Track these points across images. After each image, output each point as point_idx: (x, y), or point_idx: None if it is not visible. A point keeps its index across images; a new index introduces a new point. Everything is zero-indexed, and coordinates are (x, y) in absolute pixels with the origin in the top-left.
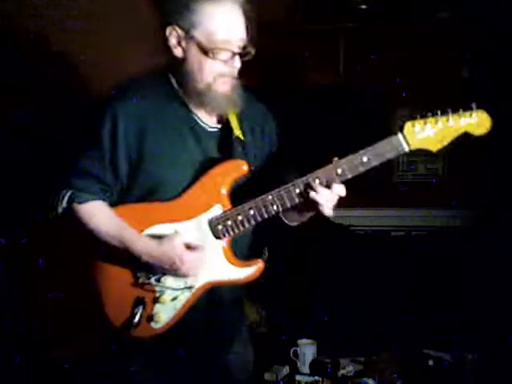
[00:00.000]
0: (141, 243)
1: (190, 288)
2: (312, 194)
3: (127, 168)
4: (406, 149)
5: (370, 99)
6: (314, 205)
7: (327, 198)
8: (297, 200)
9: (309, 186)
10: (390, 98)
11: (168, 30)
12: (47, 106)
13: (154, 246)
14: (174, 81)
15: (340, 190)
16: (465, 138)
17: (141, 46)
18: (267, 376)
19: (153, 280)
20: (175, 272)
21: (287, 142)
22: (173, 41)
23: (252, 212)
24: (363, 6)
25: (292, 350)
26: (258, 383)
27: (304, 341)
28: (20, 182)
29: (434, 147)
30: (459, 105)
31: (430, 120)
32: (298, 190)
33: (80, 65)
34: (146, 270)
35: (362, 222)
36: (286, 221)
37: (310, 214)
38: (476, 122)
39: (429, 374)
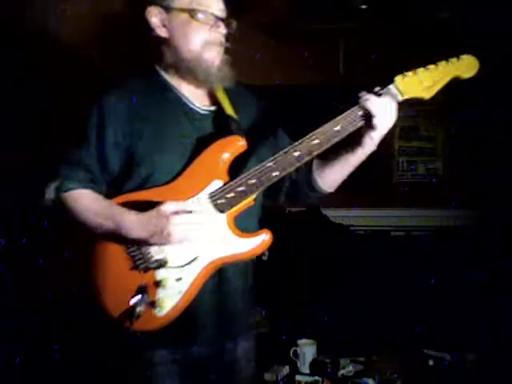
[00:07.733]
0: (130, 215)
1: (194, 261)
2: (364, 102)
3: (119, 159)
4: (400, 97)
5: None
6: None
7: (379, 105)
8: (297, 163)
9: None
10: None
11: (148, 12)
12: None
13: (142, 215)
14: (160, 69)
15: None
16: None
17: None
18: (267, 376)
19: (153, 261)
20: (166, 238)
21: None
22: (155, 21)
23: (253, 181)
24: (363, 6)
25: (292, 350)
26: (258, 383)
27: (304, 341)
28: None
29: (427, 94)
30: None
31: (420, 69)
32: (297, 153)
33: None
34: (144, 253)
35: (362, 222)
36: (321, 187)
37: (347, 169)
38: (464, 64)
39: (429, 374)
